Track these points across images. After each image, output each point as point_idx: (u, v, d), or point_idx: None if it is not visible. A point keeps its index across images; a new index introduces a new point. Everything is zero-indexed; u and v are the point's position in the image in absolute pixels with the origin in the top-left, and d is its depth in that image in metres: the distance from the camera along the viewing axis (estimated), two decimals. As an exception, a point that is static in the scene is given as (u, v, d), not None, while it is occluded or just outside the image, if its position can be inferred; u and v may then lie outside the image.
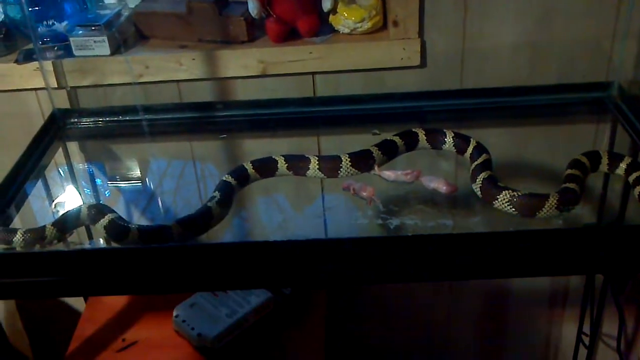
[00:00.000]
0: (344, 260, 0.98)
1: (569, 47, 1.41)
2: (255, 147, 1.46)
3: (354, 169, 1.19)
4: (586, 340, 1.76)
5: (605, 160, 1.16)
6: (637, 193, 1.09)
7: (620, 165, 1.15)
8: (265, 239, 1.10)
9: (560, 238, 0.98)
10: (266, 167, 1.21)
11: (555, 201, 1.04)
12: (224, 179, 1.16)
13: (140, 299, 1.44)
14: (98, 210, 1.09)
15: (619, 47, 1.40)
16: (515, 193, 1.06)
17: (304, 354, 1.31)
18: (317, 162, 1.19)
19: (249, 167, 1.20)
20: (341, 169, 1.18)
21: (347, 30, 1.42)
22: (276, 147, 1.43)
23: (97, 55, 1.42)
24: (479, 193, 1.11)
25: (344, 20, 1.40)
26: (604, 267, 1.15)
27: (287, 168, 1.21)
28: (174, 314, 1.28)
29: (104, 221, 1.07)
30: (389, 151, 1.22)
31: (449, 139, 1.23)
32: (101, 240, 1.09)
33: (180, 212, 1.15)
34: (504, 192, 1.06)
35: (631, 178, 1.12)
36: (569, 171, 1.11)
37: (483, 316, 1.81)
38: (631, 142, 1.28)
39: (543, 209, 1.04)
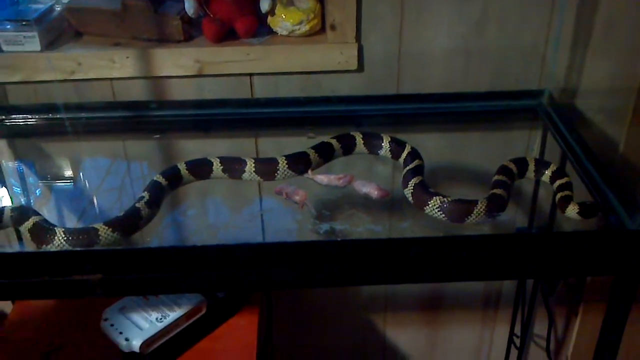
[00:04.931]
0: (271, 265, 0.98)
1: (503, 54, 1.43)
2: (191, 148, 1.44)
3: (290, 171, 1.18)
4: (518, 341, 1.80)
5: (532, 167, 1.18)
6: (557, 199, 1.12)
7: (546, 172, 1.18)
8: (194, 243, 1.09)
9: (492, 243, 1.00)
10: (201, 168, 1.19)
11: (483, 207, 1.06)
12: (155, 178, 1.14)
13: (69, 301, 1.40)
14: (22, 212, 1.06)
15: (551, 56, 1.43)
16: (445, 199, 1.07)
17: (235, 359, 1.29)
18: (253, 165, 1.18)
19: (182, 167, 1.18)
20: (278, 172, 1.18)
21: (285, 33, 1.41)
22: (212, 148, 1.42)
23: (27, 51, 1.37)
24: (410, 198, 1.11)
25: (282, 22, 1.40)
26: (535, 273, 1.17)
27: (223, 170, 1.19)
28: (103, 317, 1.25)
29: (28, 224, 1.03)
30: (325, 154, 1.22)
31: (385, 144, 1.24)
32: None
33: (112, 213, 1.12)
34: (434, 198, 1.07)
35: (555, 185, 1.15)
36: (497, 177, 1.13)
37: (417, 319, 1.83)
38: (560, 150, 1.31)
39: (472, 214, 1.06)
